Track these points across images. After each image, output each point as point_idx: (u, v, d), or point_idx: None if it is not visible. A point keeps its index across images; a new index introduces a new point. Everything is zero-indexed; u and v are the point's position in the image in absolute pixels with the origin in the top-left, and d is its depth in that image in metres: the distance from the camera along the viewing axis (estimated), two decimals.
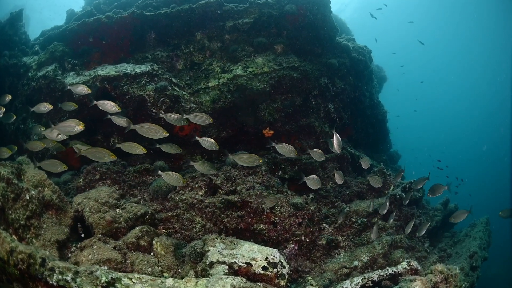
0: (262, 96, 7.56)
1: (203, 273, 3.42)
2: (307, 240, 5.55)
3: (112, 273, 2.88)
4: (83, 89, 5.40)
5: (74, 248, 4.40)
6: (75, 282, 2.67)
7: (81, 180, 6.26)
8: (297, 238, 5.45)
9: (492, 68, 46.89)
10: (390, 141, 12.72)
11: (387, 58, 22.95)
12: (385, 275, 3.48)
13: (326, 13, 8.76)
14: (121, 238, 4.47)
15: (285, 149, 4.92)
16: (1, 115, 5.69)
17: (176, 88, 7.55)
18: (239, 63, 8.03)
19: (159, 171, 4.68)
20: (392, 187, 7.41)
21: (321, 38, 8.69)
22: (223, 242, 3.72)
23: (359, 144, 9.77)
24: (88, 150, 4.54)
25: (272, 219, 5.43)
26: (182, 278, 3.07)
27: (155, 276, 3.70)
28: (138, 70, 7.56)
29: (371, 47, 10.58)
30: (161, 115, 4.83)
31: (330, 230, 5.97)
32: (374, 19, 20.36)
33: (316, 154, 5.22)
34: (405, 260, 3.69)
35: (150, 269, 3.89)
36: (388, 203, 5.55)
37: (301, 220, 5.60)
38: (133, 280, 2.96)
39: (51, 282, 2.60)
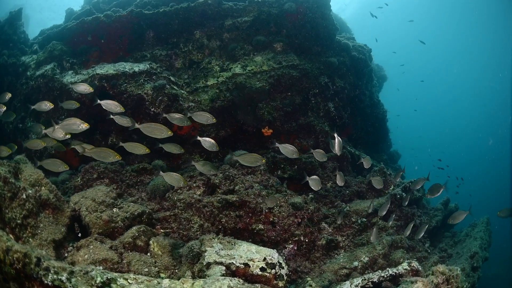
0: (261, 95, 7.51)
1: (200, 274, 3.36)
2: (306, 240, 5.49)
3: (108, 273, 2.84)
4: (85, 88, 5.35)
5: (71, 247, 4.38)
6: (70, 282, 2.63)
7: (78, 179, 6.21)
8: (296, 238, 5.39)
9: (492, 67, 46.85)
10: (390, 140, 12.67)
11: (387, 57, 22.92)
12: (385, 276, 3.42)
13: (325, 12, 8.71)
14: (118, 237, 4.42)
15: (288, 150, 4.89)
16: (1, 113, 5.65)
17: (174, 87, 7.50)
18: (238, 61, 7.98)
19: (161, 172, 4.64)
20: (392, 187, 7.36)
21: (321, 36, 8.64)
22: (220, 243, 3.66)
23: (359, 143, 9.73)
24: (93, 150, 4.49)
25: (271, 219, 5.38)
26: (179, 279, 3.02)
27: (152, 276, 3.65)
28: (136, 69, 7.51)
29: (371, 46, 10.53)
30: (164, 115, 4.77)
31: (330, 230, 5.91)
32: (375, 18, 20.31)
33: (319, 155, 5.21)
34: (406, 261, 3.64)
35: (146, 270, 3.84)
36: (387, 205, 5.51)
37: (300, 220, 5.55)
38: (128, 280, 2.91)
39: (46, 281, 2.56)
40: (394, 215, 6.36)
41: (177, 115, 4.77)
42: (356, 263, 5.15)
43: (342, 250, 5.63)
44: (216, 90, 7.53)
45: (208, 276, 3.16)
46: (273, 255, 3.58)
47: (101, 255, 3.95)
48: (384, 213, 5.53)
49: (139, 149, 4.61)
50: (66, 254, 4.30)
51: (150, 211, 5.03)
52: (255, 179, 5.91)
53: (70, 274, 2.63)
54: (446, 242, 7.21)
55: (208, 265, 3.35)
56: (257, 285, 3.07)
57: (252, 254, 3.51)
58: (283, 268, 3.59)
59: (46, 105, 5.31)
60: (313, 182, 5.03)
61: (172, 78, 7.72)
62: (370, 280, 3.41)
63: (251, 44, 8.26)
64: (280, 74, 7.67)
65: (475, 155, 47.26)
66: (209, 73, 7.90)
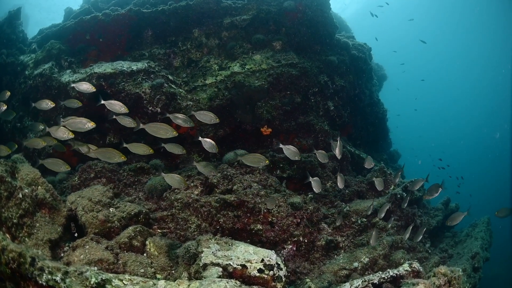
0: (260, 94, 7.44)
1: (197, 275, 3.30)
2: (306, 241, 5.42)
3: (103, 274, 2.81)
4: (88, 87, 5.28)
5: (67, 247, 4.35)
6: (65, 283, 2.62)
7: (76, 178, 6.15)
8: (295, 239, 5.33)
9: (492, 67, 46.79)
10: (390, 140, 12.61)
11: (387, 56, 22.87)
12: (386, 277, 3.36)
13: (325, 10, 8.66)
14: (115, 238, 4.36)
15: (291, 152, 4.86)
16: (2, 111, 5.60)
17: (172, 86, 7.44)
18: (237, 60, 7.92)
19: (162, 173, 4.60)
20: (392, 186, 7.29)
21: (320, 35, 8.58)
22: (217, 243, 3.60)
23: (359, 143, 9.67)
24: (98, 151, 4.45)
25: (270, 219, 5.31)
26: (175, 280, 2.96)
27: (148, 277, 3.60)
28: (134, 68, 7.45)
29: (371, 45, 10.48)
30: (168, 115, 4.71)
31: (330, 231, 5.84)
32: (375, 17, 20.25)
33: (321, 156, 5.19)
34: (407, 262, 3.57)
35: (142, 270, 3.77)
36: (386, 208, 5.46)
37: (299, 220, 5.48)
38: (124, 281, 2.88)
39: (40, 282, 2.56)
40: (394, 216, 6.30)
41: (181, 116, 4.72)
42: (356, 264, 5.09)
43: (342, 251, 5.56)
44: (214, 88, 7.47)
45: (205, 278, 3.10)
46: (271, 256, 3.52)
47: (97, 256, 3.91)
48: (382, 216, 5.47)
49: (142, 149, 4.58)
50: (62, 254, 4.28)
51: (147, 211, 4.97)
52: (254, 179, 5.84)
53: (64, 274, 2.62)
54: (446, 242, 7.15)
55: (205, 266, 3.29)
56: (254, 287, 3.01)
57: (250, 255, 3.44)
58: (281, 269, 3.52)
59: (47, 104, 5.25)
60: (315, 183, 5.00)
61: (170, 77, 7.66)
62: (371, 282, 3.35)
63: (250, 43, 8.20)
64: (279, 73, 7.61)
65: (475, 155, 47.23)
66: (207, 71, 7.84)
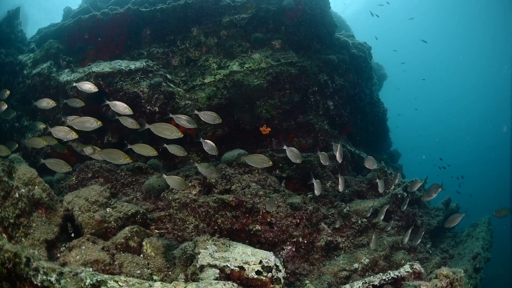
0: (259, 93, 7.38)
1: (193, 277, 3.23)
2: (305, 242, 5.36)
3: (98, 275, 2.77)
4: (90, 87, 5.22)
5: (64, 248, 4.31)
6: (59, 284, 2.59)
7: (73, 178, 6.10)
8: (295, 240, 5.26)
9: (493, 66, 46.72)
10: (390, 139, 12.55)
11: (387, 56, 22.83)
12: (387, 279, 3.29)
13: (325, 9, 8.61)
14: (111, 238, 4.31)
15: (294, 153, 4.82)
16: (3, 110, 5.56)
17: (171, 85, 7.39)
18: (236, 59, 7.86)
19: (164, 175, 4.56)
20: (393, 186, 7.23)
21: (320, 34, 8.52)
22: (215, 244, 3.53)
23: (359, 142, 9.60)
24: (103, 151, 4.40)
25: (269, 220, 5.24)
26: (171, 282, 2.90)
27: (144, 279, 3.54)
28: (132, 67, 7.40)
29: (371, 44, 10.42)
30: (171, 115, 4.66)
31: (329, 231, 5.77)
32: (376, 17, 20.18)
33: (323, 158, 5.19)
34: (408, 263, 3.50)
35: (139, 271, 3.71)
36: (385, 210, 5.41)
37: (298, 221, 5.41)
38: (119, 283, 2.83)
39: (35, 282, 2.53)
40: (395, 216, 6.24)
41: (184, 117, 4.67)
42: (356, 265, 5.03)
43: (342, 251, 5.50)
44: (213, 87, 7.41)
45: (201, 280, 3.04)
46: (269, 257, 3.45)
47: (93, 256, 3.87)
48: (382, 217, 5.41)
49: (147, 150, 4.54)
50: (58, 255, 4.26)
51: (144, 211, 4.92)
52: (253, 179, 5.78)
53: (59, 275, 2.59)
54: (447, 242, 7.09)
55: (202, 268, 3.23)
56: None
57: (248, 257, 3.38)
58: (280, 271, 3.46)
59: (49, 103, 5.20)
60: (317, 186, 4.97)
61: (168, 76, 7.61)
62: (371, 284, 3.29)
63: (249, 42, 8.14)
64: (279, 72, 7.55)
65: (475, 155, 47.18)
66: (206, 70, 7.78)
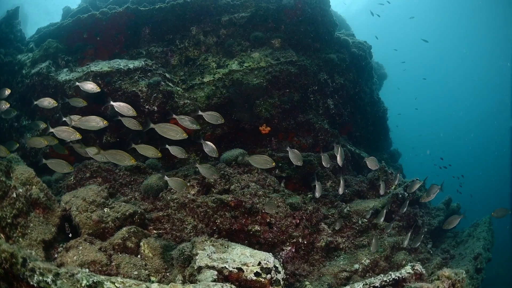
0: (258, 92, 7.33)
1: (191, 279, 3.18)
2: (305, 242, 5.30)
3: (94, 276, 2.74)
4: (92, 87, 5.17)
5: (61, 248, 4.28)
6: (56, 284, 2.57)
7: (71, 178, 6.05)
8: (294, 240, 5.20)
9: (494, 64, 46.62)
10: (391, 139, 12.51)
11: (388, 55, 22.79)
12: (388, 280, 3.24)
13: (324, 8, 8.57)
14: (109, 238, 4.27)
15: (295, 155, 4.80)
16: (4, 109, 5.52)
17: (169, 84, 7.34)
18: (235, 58, 7.82)
19: (165, 177, 4.53)
20: (393, 186, 7.18)
21: (320, 32, 8.48)
22: (213, 245, 3.48)
23: (359, 142, 9.56)
24: (108, 152, 4.35)
25: (268, 220, 5.18)
26: (169, 283, 2.85)
27: (141, 280, 3.49)
28: (131, 66, 7.35)
29: (371, 44, 10.38)
30: (174, 116, 4.62)
31: (329, 231, 5.71)
32: (377, 16, 20.14)
33: (325, 159, 5.18)
34: (409, 264, 3.45)
35: (136, 273, 3.67)
36: (385, 211, 5.37)
37: (298, 221, 5.35)
38: (116, 284, 2.80)
39: (31, 283, 2.50)
40: (396, 216, 6.19)
41: (187, 118, 4.64)
42: (356, 266, 4.98)
43: (342, 252, 5.44)
44: (212, 87, 7.37)
45: (199, 281, 2.99)
46: (268, 259, 3.40)
47: (90, 257, 3.84)
48: (382, 219, 5.36)
49: (150, 151, 4.51)
50: (56, 255, 4.23)
51: (142, 211, 4.87)
52: (252, 178, 5.72)
53: (55, 276, 2.57)
54: (448, 242, 7.03)
55: (200, 269, 3.17)
56: None
57: (246, 258, 3.33)
58: (279, 272, 3.41)
59: (50, 102, 5.14)
60: (319, 187, 4.93)
61: (167, 75, 7.56)
62: (372, 285, 3.23)
63: (248, 40, 8.09)
64: (278, 71, 7.50)
65: (475, 155, 47.12)
66: (205, 69, 7.73)
